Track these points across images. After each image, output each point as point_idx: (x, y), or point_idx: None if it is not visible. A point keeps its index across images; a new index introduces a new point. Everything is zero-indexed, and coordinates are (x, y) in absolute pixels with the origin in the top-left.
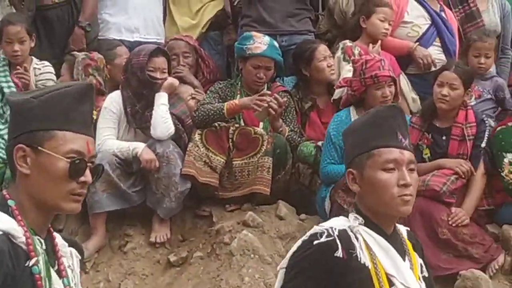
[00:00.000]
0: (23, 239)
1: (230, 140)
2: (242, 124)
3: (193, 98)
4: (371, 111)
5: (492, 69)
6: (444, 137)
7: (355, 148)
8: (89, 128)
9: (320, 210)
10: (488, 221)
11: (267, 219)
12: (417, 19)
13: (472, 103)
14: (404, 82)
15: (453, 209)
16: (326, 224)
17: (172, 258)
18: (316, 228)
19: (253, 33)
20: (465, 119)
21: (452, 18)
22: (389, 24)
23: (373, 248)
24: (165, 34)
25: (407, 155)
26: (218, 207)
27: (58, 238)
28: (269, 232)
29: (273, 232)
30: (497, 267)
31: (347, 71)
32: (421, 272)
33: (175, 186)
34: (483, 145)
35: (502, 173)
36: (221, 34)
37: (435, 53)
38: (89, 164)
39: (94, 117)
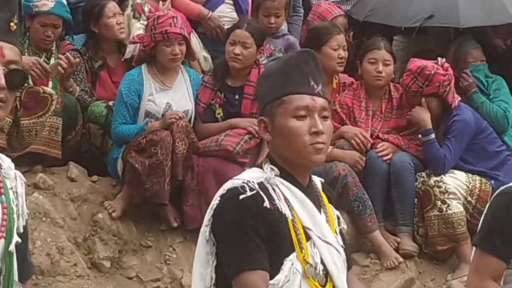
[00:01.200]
0: None
1: (18, 99)
2: (31, 83)
3: None
4: (282, 57)
5: (284, 27)
6: (237, 96)
7: (266, 96)
8: (3, 33)
9: (112, 171)
10: None
11: (58, 181)
12: None
13: (264, 62)
14: (195, 41)
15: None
16: (242, 177)
17: None
18: (233, 182)
19: None
20: (257, 77)
21: None
22: None
23: (290, 200)
24: None
25: (320, 101)
26: None
27: (5, 162)
28: (61, 195)
29: (65, 194)
30: None
31: (137, 28)
32: (338, 224)
33: None
34: None
35: None
36: None
37: (227, 11)
38: (3, 68)
39: (14, 25)
